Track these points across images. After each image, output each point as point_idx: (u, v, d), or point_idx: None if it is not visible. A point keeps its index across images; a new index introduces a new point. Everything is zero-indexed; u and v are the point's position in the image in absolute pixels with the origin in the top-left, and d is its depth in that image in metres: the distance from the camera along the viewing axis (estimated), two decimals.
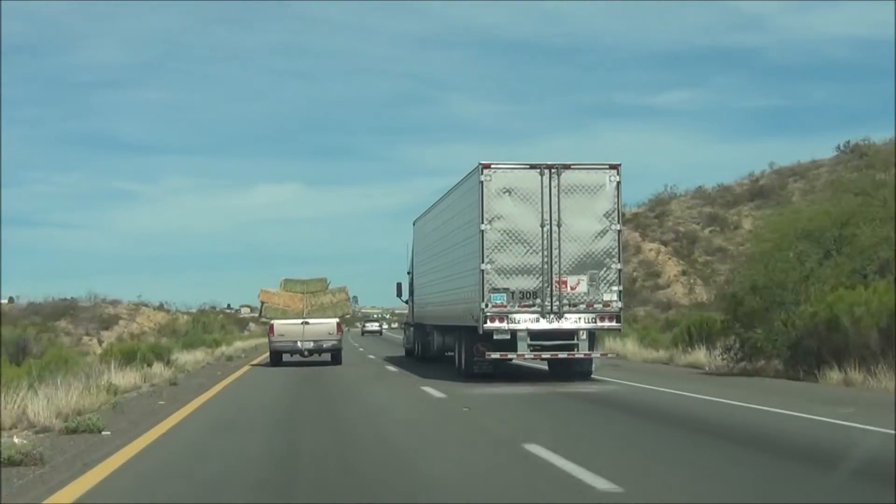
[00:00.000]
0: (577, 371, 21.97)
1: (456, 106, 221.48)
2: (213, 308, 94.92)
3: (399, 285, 37.70)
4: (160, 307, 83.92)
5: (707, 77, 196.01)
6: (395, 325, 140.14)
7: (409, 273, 35.74)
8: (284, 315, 31.23)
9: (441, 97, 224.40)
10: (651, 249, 70.38)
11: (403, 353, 37.69)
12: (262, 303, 32.70)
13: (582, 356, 21.04)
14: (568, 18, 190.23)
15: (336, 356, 31.29)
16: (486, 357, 21.13)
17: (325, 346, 30.86)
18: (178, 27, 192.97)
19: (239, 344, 55.94)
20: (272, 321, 31.29)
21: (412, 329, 35.16)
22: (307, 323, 30.71)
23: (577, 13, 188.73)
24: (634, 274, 65.95)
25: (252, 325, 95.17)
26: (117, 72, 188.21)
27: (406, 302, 36.90)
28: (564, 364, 21.77)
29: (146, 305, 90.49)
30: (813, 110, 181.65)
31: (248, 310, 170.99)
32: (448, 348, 27.70)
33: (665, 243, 71.00)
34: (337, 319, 31.44)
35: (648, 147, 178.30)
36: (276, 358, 31.46)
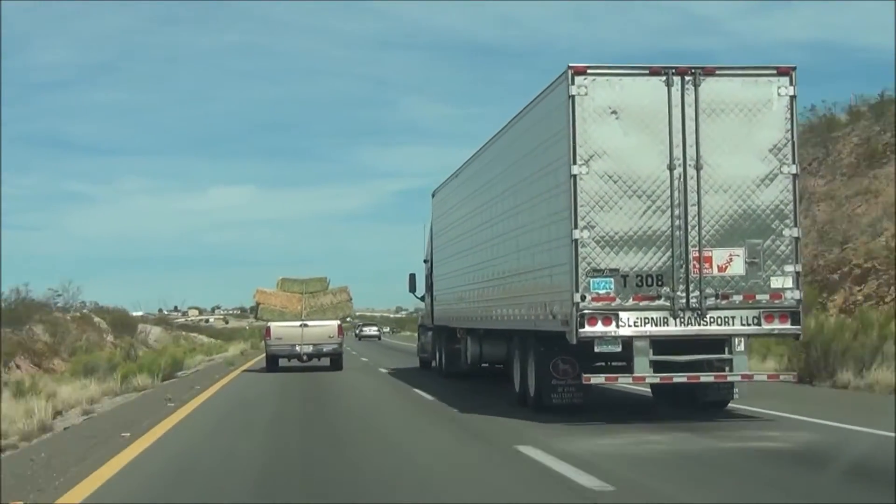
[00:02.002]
0: (710, 400, 14.09)
1: (414, 108, 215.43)
2: (59, 302, 47.68)
3: (412, 277, 29.91)
4: None
5: None
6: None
7: (425, 261, 28.03)
8: (282, 317, 29.63)
9: (399, 99, 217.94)
10: None
11: (418, 364, 29.98)
12: (258, 304, 30.82)
13: (739, 378, 13.05)
14: (525, 21, 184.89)
15: (336, 361, 29.45)
16: (581, 381, 13.15)
17: (325, 349, 29.11)
18: (133, 28, 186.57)
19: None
20: (269, 323, 29.61)
21: (430, 334, 27.24)
22: (306, 325, 29.00)
23: (534, 16, 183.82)
24: None
25: (154, 331, 61.65)
26: (70, 72, 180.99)
27: (421, 299, 29.27)
28: (692, 388, 13.82)
29: None
30: None
31: (197, 312, 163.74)
32: (491, 360, 20.11)
33: None
34: (338, 321, 29.60)
35: None
36: (273, 363, 29.80)
